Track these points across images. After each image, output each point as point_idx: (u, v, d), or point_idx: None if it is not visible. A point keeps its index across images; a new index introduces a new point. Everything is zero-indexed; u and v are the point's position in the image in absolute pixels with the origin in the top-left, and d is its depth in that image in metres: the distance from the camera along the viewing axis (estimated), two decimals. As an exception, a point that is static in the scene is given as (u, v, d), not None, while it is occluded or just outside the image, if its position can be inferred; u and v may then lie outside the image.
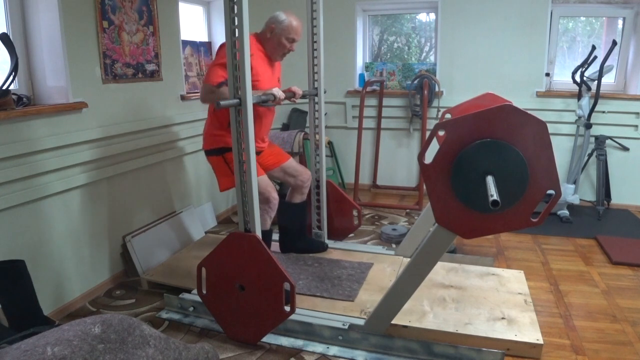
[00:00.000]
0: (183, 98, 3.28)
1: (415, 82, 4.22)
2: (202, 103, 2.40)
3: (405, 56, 4.74)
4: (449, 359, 1.95)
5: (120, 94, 2.72)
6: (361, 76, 4.55)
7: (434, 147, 1.78)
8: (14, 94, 2.22)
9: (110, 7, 2.60)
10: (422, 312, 2.19)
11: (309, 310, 2.24)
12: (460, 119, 1.70)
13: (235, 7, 1.88)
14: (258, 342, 2.10)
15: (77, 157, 2.43)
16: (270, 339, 2.13)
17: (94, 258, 2.62)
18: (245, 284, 2.04)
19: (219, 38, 3.88)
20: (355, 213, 3.05)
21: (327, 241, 3.01)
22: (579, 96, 3.71)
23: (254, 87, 2.36)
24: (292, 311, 1.98)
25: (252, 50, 2.32)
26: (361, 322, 2.10)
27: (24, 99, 2.29)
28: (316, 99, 2.88)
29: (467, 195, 1.72)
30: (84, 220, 2.54)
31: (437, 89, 4.19)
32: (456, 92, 4.20)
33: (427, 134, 4.10)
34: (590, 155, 3.91)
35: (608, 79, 3.93)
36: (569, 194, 3.69)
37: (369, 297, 2.36)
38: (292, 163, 2.78)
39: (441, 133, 1.74)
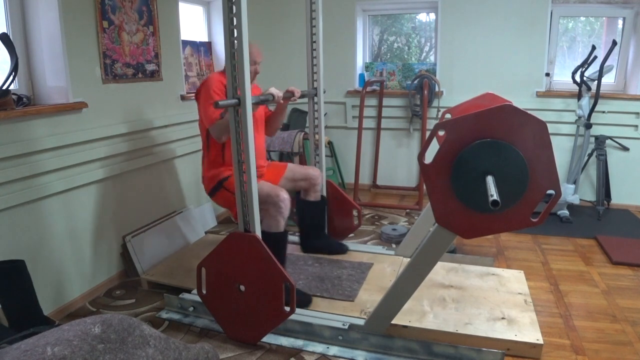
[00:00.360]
0: (183, 98, 3.28)
1: (415, 82, 4.22)
2: (221, 142, 2.37)
3: (405, 56, 4.74)
4: (449, 359, 1.95)
5: (120, 94, 2.72)
6: (361, 76, 4.55)
7: (434, 147, 1.78)
8: (14, 94, 2.22)
9: (110, 7, 2.60)
10: (422, 312, 2.19)
11: (309, 310, 2.24)
12: (460, 119, 1.70)
13: (234, 7, 1.88)
14: (258, 342, 2.11)
15: (77, 157, 2.43)
16: (270, 339, 2.13)
17: (94, 258, 2.62)
18: (245, 284, 2.04)
19: (219, 38, 3.88)
20: (355, 213, 3.04)
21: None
22: (579, 96, 3.71)
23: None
24: (292, 311, 1.98)
25: (222, 90, 2.32)
26: (361, 322, 2.10)
27: (24, 99, 2.29)
28: (316, 99, 2.88)
29: (467, 195, 1.72)
30: (84, 220, 2.54)
31: (437, 89, 4.19)
32: (456, 92, 4.20)
33: (427, 134, 4.10)
34: (590, 155, 3.91)
35: (608, 79, 3.93)
36: (569, 194, 3.69)
37: (369, 297, 2.36)
38: (294, 168, 2.75)
39: (441, 133, 1.74)
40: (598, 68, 3.49)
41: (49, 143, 2.26)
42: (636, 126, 3.88)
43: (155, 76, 3.01)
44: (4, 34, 2.13)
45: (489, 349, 1.93)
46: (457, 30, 4.15)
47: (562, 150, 3.93)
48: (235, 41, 1.91)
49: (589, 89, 3.65)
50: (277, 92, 2.31)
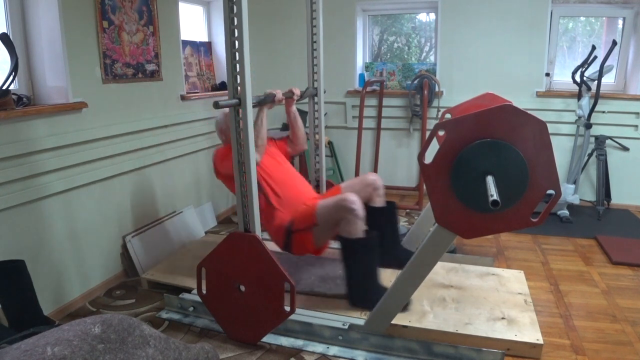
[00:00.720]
0: (183, 98, 3.28)
1: (415, 82, 4.22)
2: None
3: (405, 56, 4.74)
4: (449, 359, 1.95)
5: (120, 94, 2.72)
6: (361, 76, 4.55)
7: (434, 147, 1.78)
8: (14, 94, 2.22)
9: (110, 7, 2.60)
10: (422, 312, 2.18)
11: (309, 310, 2.24)
12: (460, 119, 1.70)
13: (235, 7, 1.88)
14: (258, 342, 2.10)
15: (77, 157, 2.43)
16: (270, 339, 2.13)
17: (94, 258, 2.62)
18: (245, 284, 2.04)
19: (219, 38, 3.88)
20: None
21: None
22: (579, 96, 3.71)
23: (269, 178, 2.37)
24: (292, 311, 1.98)
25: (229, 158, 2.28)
26: (361, 322, 2.10)
27: (24, 99, 2.29)
28: (316, 99, 2.88)
29: (467, 195, 1.72)
30: (84, 220, 2.54)
31: (437, 89, 4.19)
32: (456, 92, 4.20)
33: (427, 134, 4.10)
34: (590, 155, 3.91)
35: (608, 79, 3.93)
36: (569, 194, 3.69)
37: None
38: (348, 182, 2.62)
39: (441, 133, 1.74)
40: (598, 68, 3.49)
41: (49, 143, 2.26)
42: (636, 126, 3.88)
43: (155, 76, 3.01)
44: (4, 34, 2.13)
45: (489, 349, 1.93)
46: (457, 30, 4.14)
47: (562, 150, 3.93)
48: (236, 41, 1.91)
49: (589, 89, 3.65)
50: (278, 93, 2.31)
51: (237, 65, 1.93)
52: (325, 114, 3.00)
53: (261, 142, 2.24)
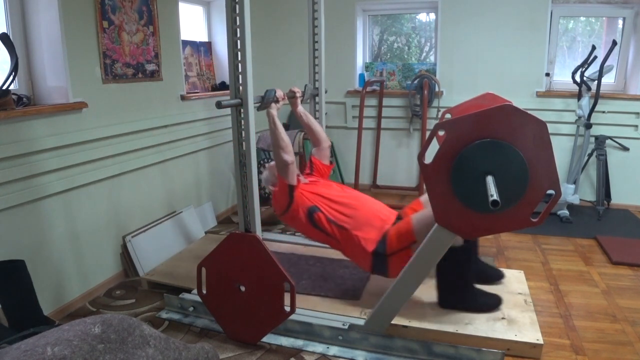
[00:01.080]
0: (183, 98, 3.28)
1: (415, 82, 4.22)
2: (284, 158, 2.19)
3: (405, 56, 4.74)
4: (449, 359, 1.95)
5: (120, 94, 2.72)
6: (361, 76, 4.55)
7: (434, 147, 1.78)
8: (14, 94, 2.22)
9: (110, 7, 2.60)
10: (422, 312, 2.18)
11: (309, 310, 2.24)
12: (460, 119, 1.70)
13: (237, 7, 1.88)
14: (258, 342, 2.10)
15: (77, 157, 2.43)
16: (270, 339, 2.13)
17: (94, 258, 2.62)
18: (245, 284, 2.04)
19: (219, 38, 3.88)
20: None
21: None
22: (579, 96, 3.71)
23: (332, 204, 2.24)
24: (292, 311, 1.98)
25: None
26: (361, 322, 2.10)
27: (24, 99, 2.29)
28: (317, 99, 2.88)
29: (467, 195, 1.72)
30: (84, 220, 2.54)
31: (437, 89, 4.19)
32: (456, 92, 4.20)
33: (427, 134, 4.10)
34: (590, 155, 3.91)
35: (608, 79, 3.93)
36: (569, 194, 3.69)
37: (374, 296, 2.34)
38: (422, 198, 2.43)
39: (441, 133, 1.74)
40: (598, 68, 3.49)
41: (49, 143, 2.26)
42: (636, 126, 3.88)
43: (155, 76, 3.01)
44: (4, 34, 2.13)
45: (489, 349, 1.93)
46: (457, 30, 4.14)
47: (562, 150, 3.93)
48: (238, 41, 1.91)
49: (589, 89, 3.65)
50: (279, 92, 2.30)
51: (239, 65, 1.93)
52: (325, 114, 3.00)
53: (284, 143, 2.19)
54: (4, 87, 2.09)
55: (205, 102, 3.51)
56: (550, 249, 3.19)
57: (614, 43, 3.47)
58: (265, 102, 2.20)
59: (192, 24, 3.77)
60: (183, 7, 3.42)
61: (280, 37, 4.55)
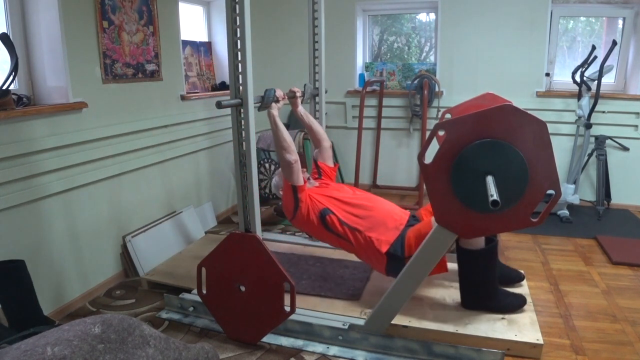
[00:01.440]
0: (183, 98, 3.28)
1: (415, 82, 4.22)
2: (287, 157, 2.21)
3: (405, 56, 4.74)
4: (449, 359, 1.95)
5: (120, 94, 2.72)
6: (361, 76, 4.55)
7: (434, 147, 1.78)
8: (14, 94, 2.22)
9: (110, 7, 2.60)
10: (422, 312, 2.18)
11: (309, 310, 2.24)
12: (460, 119, 1.70)
13: (237, 7, 1.88)
14: (258, 342, 2.10)
15: (77, 157, 2.43)
16: (270, 339, 2.13)
17: (94, 258, 2.62)
18: (245, 284, 2.04)
19: (219, 38, 3.89)
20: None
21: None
22: (579, 96, 3.71)
23: (346, 206, 2.25)
24: (292, 311, 1.98)
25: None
26: (361, 322, 2.10)
27: (24, 99, 2.29)
28: (317, 98, 2.88)
29: (467, 195, 1.72)
30: (84, 220, 2.54)
31: (437, 89, 4.19)
32: (456, 92, 4.20)
33: (427, 134, 4.10)
34: (590, 155, 3.91)
35: (608, 79, 3.93)
36: (569, 194, 3.69)
37: (374, 296, 2.35)
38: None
39: (441, 133, 1.74)
40: (598, 68, 3.49)
41: (49, 143, 2.26)
42: (636, 126, 3.88)
43: (155, 76, 3.01)
44: (4, 34, 2.13)
45: (489, 349, 1.93)
46: (457, 30, 4.14)
47: (562, 150, 3.93)
48: (238, 41, 1.91)
49: (589, 89, 3.65)
50: (279, 92, 2.30)
51: (239, 65, 1.93)
52: (325, 114, 3.00)
53: (286, 143, 2.19)
54: (4, 87, 2.09)
55: (205, 102, 3.51)
56: (550, 249, 3.19)
57: (614, 43, 3.47)
58: (265, 102, 2.20)
59: (192, 24, 3.77)
60: (183, 7, 3.42)
61: (280, 37, 4.55)
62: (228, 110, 2.02)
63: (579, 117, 3.70)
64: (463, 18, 4.11)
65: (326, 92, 2.94)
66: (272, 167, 3.67)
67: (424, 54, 4.71)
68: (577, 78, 3.69)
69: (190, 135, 3.36)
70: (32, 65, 2.37)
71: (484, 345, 1.96)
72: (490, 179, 1.66)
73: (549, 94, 4.04)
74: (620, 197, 4.00)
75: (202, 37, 3.87)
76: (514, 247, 3.21)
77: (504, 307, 2.17)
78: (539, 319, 2.15)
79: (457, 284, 2.47)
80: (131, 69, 2.80)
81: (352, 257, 2.81)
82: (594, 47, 3.57)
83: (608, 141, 3.87)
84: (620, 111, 3.87)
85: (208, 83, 3.83)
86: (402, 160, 4.58)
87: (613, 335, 2.16)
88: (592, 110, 3.59)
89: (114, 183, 2.72)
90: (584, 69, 3.63)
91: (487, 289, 2.17)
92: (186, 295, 2.40)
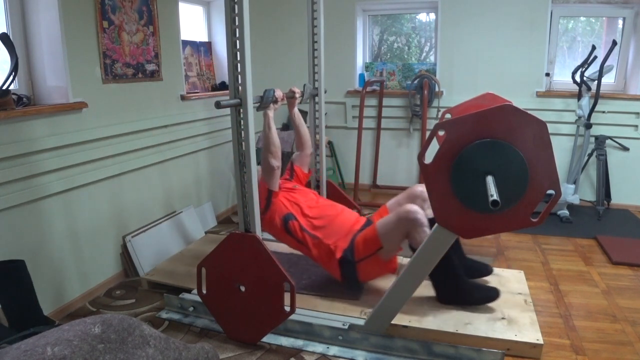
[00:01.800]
0: (183, 98, 3.28)
1: (415, 82, 4.22)
2: (271, 162, 2.26)
3: (405, 56, 4.74)
4: (449, 359, 1.95)
5: (120, 94, 2.72)
6: (361, 76, 4.55)
7: (434, 147, 1.78)
8: (14, 94, 2.22)
9: (110, 7, 2.60)
10: (422, 312, 2.18)
11: (309, 310, 2.24)
12: (460, 119, 1.70)
13: (236, 7, 1.88)
14: (258, 342, 2.11)
15: (77, 157, 2.43)
16: (270, 339, 2.13)
17: (94, 258, 2.62)
18: (245, 284, 2.04)
19: (219, 38, 3.89)
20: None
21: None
22: (579, 96, 3.71)
23: (306, 217, 2.35)
24: (292, 311, 1.98)
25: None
26: (361, 322, 2.10)
27: (24, 99, 2.29)
28: (316, 98, 2.88)
29: (467, 195, 1.72)
30: (84, 220, 2.54)
31: (437, 89, 4.19)
32: (456, 92, 4.20)
33: (427, 134, 4.10)
34: (590, 155, 3.91)
35: (608, 79, 3.93)
36: (569, 194, 3.69)
37: (373, 296, 2.35)
38: (394, 199, 2.47)
39: (441, 133, 1.74)
40: (598, 68, 3.49)
41: (49, 143, 2.26)
42: (636, 126, 3.88)
43: (155, 76, 3.01)
44: (4, 34, 2.13)
45: (489, 349, 1.93)
46: (457, 30, 4.14)
47: (562, 150, 3.93)
48: (237, 41, 1.91)
49: (589, 89, 3.65)
50: (278, 92, 2.30)
51: (239, 65, 1.93)
52: (325, 114, 3.00)
53: (274, 148, 2.24)
54: (4, 87, 2.09)
55: (205, 102, 3.51)
56: (550, 249, 3.19)
57: (614, 43, 3.47)
58: (264, 102, 2.20)
59: (192, 24, 3.77)
60: (183, 7, 3.42)
61: (280, 37, 4.55)
62: (228, 110, 2.02)
63: (579, 117, 3.70)
64: (463, 18, 4.11)
65: (325, 92, 2.94)
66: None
67: (424, 54, 4.71)
68: (577, 78, 3.69)
69: (190, 135, 3.36)
70: (32, 65, 2.37)
71: (484, 345, 1.96)
72: (490, 179, 1.66)
73: (549, 94, 4.04)
74: (620, 197, 4.00)
75: (202, 37, 3.87)
76: (514, 247, 3.21)
77: (476, 300, 2.21)
78: (539, 319, 2.15)
79: (457, 284, 2.47)
80: (131, 69, 2.80)
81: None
82: (594, 47, 3.57)
83: (608, 141, 3.87)
84: (620, 111, 3.87)
85: (208, 83, 3.83)
86: (402, 160, 4.58)
87: (613, 335, 2.16)
88: (592, 110, 3.59)
89: (114, 183, 2.72)
90: (584, 69, 3.63)
91: (454, 282, 2.21)
92: (186, 295, 2.40)
